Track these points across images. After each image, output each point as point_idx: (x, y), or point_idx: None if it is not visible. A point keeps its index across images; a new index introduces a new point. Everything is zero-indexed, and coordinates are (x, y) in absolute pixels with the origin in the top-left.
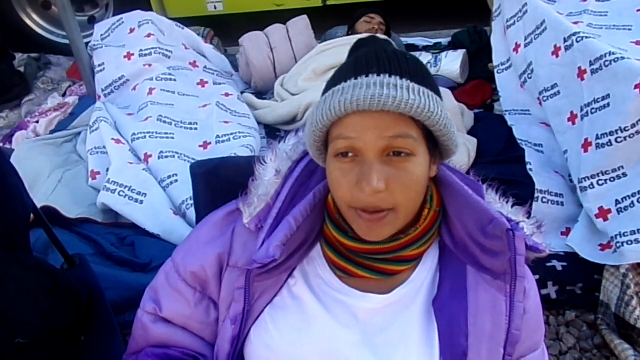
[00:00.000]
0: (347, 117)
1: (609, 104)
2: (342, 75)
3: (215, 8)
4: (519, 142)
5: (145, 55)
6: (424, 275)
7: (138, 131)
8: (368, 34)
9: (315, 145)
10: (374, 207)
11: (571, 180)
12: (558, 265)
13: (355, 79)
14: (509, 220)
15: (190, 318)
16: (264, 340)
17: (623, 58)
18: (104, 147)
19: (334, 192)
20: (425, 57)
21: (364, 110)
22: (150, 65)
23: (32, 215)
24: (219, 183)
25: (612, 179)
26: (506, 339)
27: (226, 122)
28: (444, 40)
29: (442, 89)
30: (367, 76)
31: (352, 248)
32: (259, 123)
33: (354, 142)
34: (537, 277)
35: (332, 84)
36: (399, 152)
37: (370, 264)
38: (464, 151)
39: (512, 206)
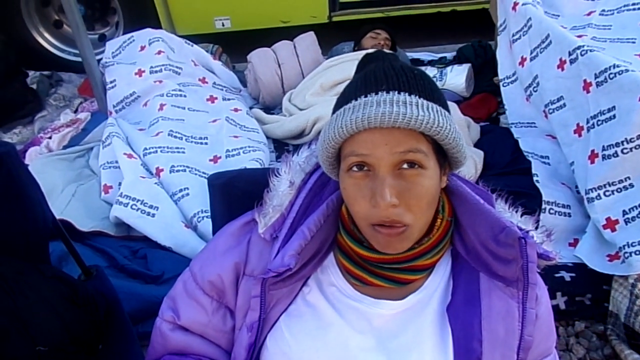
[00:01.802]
0: (359, 134)
1: (614, 116)
2: (352, 92)
3: (223, 25)
4: (525, 154)
5: (156, 71)
6: (437, 283)
7: (149, 146)
8: (375, 49)
9: (328, 161)
10: (391, 220)
11: (578, 192)
12: (566, 276)
13: (365, 96)
14: (520, 228)
15: (208, 326)
16: (279, 347)
17: (627, 70)
18: (116, 162)
19: (350, 207)
20: (430, 72)
21: (375, 127)
22: (160, 81)
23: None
24: (235, 194)
25: (619, 190)
26: (519, 345)
27: (236, 137)
28: (449, 55)
29: (448, 103)
30: (376, 93)
31: (366, 258)
32: (267, 137)
33: (366, 158)
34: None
35: (342, 101)
36: (411, 164)
37: (384, 273)
38: (470, 163)
39: (521, 215)
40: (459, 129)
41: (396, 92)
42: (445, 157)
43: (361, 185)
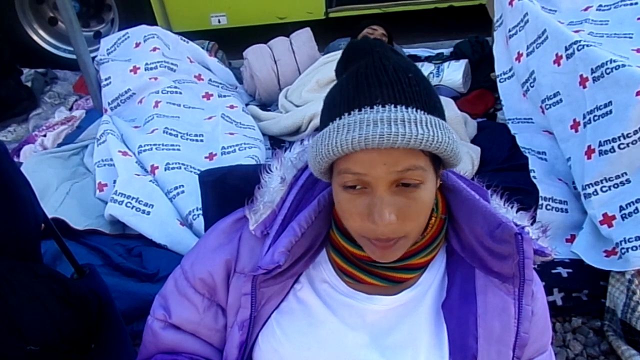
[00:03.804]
0: (354, 153)
1: (611, 111)
2: (343, 102)
3: (219, 22)
4: (522, 150)
5: (151, 68)
6: (431, 279)
7: (144, 143)
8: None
9: (320, 171)
10: (387, 237)
11: (575, 187)
12: (563, 272)
13: (360, 111)
14: (515, 224)
15: (199, 324)
16: (271, 345)
17: (624, 65)
18: (111, 160)
19: (344, 220)
20: (427, 68)
21: (373, 148)
22: (156, 78)
23: (42, 225)
24: (226, 191)
25: (615, 185)
26: (515, 341)
27: (231, 134)
28: (446, 51)
29: (444, 99)
30: (372, 108)
31: (360, 257)
32: (263, 134)
33: (362, 177)
34: (543, 283)
35: (332, 109)
36: (409, 182)
37: (378, 272)
38: (467, 160)
39: (517, 211)
40: (456, 125)
41: (392, 106)
42: (440, 162)
43: (357, 202)
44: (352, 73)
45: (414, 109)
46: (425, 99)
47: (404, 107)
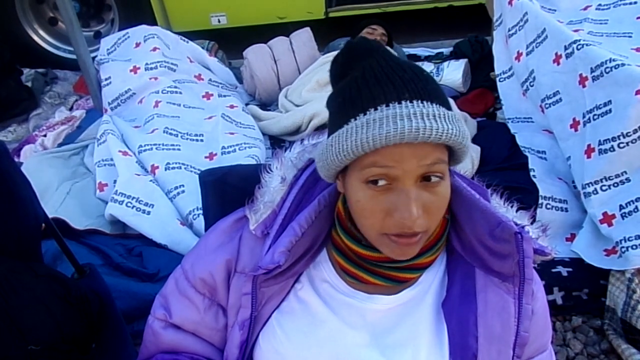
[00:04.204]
0: (384, 147)
1: (610, 110)
2: (365, 98)
3: (219, 21)
4: (522, 149)
5: (151, 68)
6: (431, 278)
7: (145, 143)
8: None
9: (335, 170)
10: (412, 232)
11: (575, 187)
12: (563, 271)
13: (387, 106)
14: (515, 224)
15: (200, 324)
16: (272, 345)
17: (623, 64)
18: (111, 159)
19: (361, 219)
20: (427, 67)
21: (408, 142)
22: (156, 78)
23: (42, 225)
24: (226, 190)
25: (615, 184)
26: (515, 341)
27: (231, 134)
28: (446, 50)
29: None
30: (399, 103)
31: (365, 256)
32: (263, 134)
33: (391, 170)
34: (543, 282)
35: (352, 107)
36: (432, 176)
37: (381, 272)
38: (467, 159)
39: (517, 210)
40: None
41: (419, 102)
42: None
43: (380, 198)
44: (364, 71)
45: (438, 105)
46: (442, 95)
47: (428, 102)
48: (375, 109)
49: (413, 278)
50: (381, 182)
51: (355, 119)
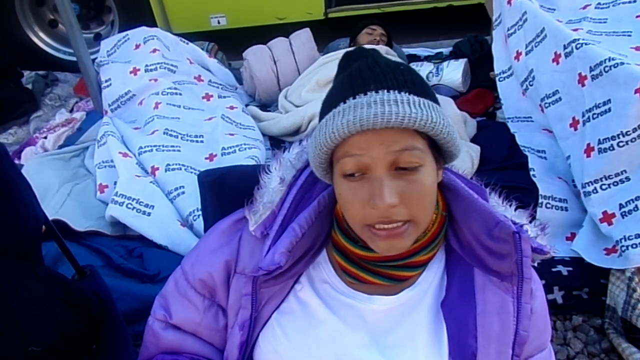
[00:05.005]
0: (352, 137)
1: (610, 109)
2: (339, 94)
3: (219, 23)
4: (522, 148)
5: (151, 70)
6: (430, 278)
7: (145, 144)
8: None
9: (321, 167)
10: (389, 220)
11: (575, 186)
12: (563, 270)
13: (354, 98)
14: (514, 223)
15: (200, 324)
16: (272, 345)
17: (623, 63)
18: (112, 161)
19: (345, 212)
20: (427, 67)
21: (368, 129)
22: (156, 80)
23: (43, 227)
24: (225, 191)
25: (615, 183)
26: (514, 340)
27: (231, 134)
28: (445, 50)
29: (444, 98)
30: (365, 94)
31: (361, 256)
32: (263, 135)
33: (361, 158)
34: (543, 282)
35: (329, 104)
36: (407, 166)
37: (380, 271)
38: (467, 158)
39: (515, 209)
40: (455, 124)
41: (385, 91)
42: (439, 152)
43: (357, 189)
44: (346, 73)
45: (407, 93)
46: (418, 85)
47: (396, 91)
48: (344, 102)
49: (412, 276)
50: (357, 174)
51: (328, 114)
